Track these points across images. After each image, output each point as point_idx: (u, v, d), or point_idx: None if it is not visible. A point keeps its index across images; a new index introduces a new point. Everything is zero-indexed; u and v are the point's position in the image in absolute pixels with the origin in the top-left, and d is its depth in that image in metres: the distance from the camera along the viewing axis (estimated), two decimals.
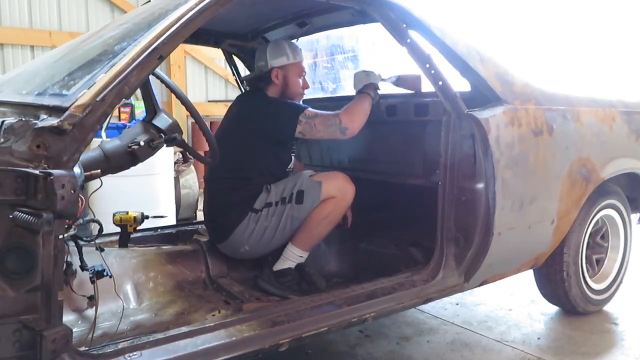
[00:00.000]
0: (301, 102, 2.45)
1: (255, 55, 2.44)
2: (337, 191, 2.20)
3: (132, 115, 5.91)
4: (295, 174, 2.29)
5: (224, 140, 2.33)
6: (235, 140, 2.28)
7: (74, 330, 1.40)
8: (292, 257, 2.24)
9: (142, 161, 1.88)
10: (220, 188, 2.31)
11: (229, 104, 2.53)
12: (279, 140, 2.29)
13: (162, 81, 2.00)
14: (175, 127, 1.96)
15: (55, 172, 1.21)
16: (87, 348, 1.45)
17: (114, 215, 2.37)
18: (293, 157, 2.44)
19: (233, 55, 2.94)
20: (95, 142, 2.80)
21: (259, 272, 2.30)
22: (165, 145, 1.88)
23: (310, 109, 2.22)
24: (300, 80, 2.41)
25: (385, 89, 2.50)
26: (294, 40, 2.67)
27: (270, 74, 2.34)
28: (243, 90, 3.03)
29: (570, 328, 2.56)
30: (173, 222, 3.93)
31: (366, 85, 2.37)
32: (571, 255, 2.52)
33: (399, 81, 2.49)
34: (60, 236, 1.27)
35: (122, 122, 5.55)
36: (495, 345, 2.38)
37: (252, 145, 2.24)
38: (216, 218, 2.31)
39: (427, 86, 2.27)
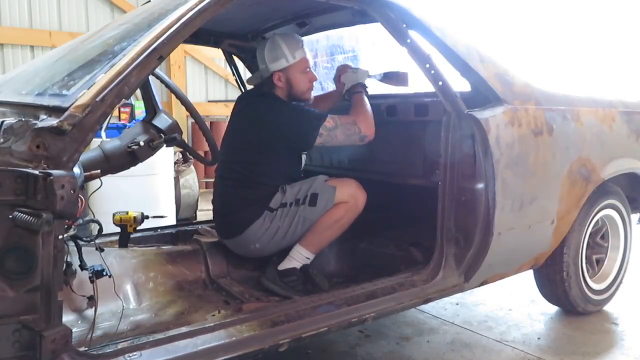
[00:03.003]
0: (312, 96, 2.40)
1: (255, 55, 2.41)
2: (349, 197, 2.22)
3: (132, 116, 5.92)
4: (310, 177, 2.29)
5: (238, 139, 2.31)
6: (251, 140, 2.25)
7: (73, 330, 1.41)
8: (299, 257, 2.24)
9: (142, 161, 1.88)
10: (235, 185, 2.29)
11: (229, 104, 2.52)
12: (298, 148, 2.31)
13: (162, 81, 2.00)
14: (175, 127, 1.97)
15: (55, 172, 1.21)
16: (86, 348, 1.45)
17: (113, 215, 2.37)
18: (304, 157, 2.43)
19: (233, 55, 2.94)
20: (95, 142, 2.79)
21: (262, 271, 2.30)
22: (165, 145, 1.89)
23: (330, 117, 2.18)
24: (306, 76, 2.32)
25: (373, 86, 2.52)
26: None
27: (272, 78, 2.28)
28: (243, 91, 3.03)
29: (570, 328, 2.56)
30: (173, 222, 3.93)
31: (354, 85, 2.41)
32: (571, 255, 2.52)
33: (385, 78, 2.50)
34: (60, 236, 1.27)
35: (122, 122, 5.55)
36: (495, 345, 2.38)
37: (271, 149, 2.22)
38: (229, 214, 2.30)
39: (427, 86, 2.27)
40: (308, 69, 2.33)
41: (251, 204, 2.23)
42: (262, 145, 2.23)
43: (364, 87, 2.44)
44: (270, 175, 2.26)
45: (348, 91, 2.44)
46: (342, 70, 2.50)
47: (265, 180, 2.25)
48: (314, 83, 2.39)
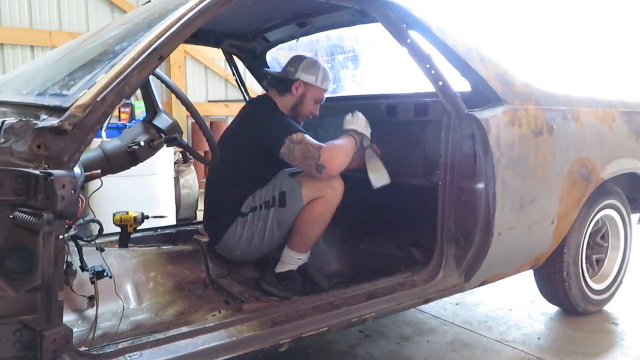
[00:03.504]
0: (302, 124, 2.38)
1: (255, 55, 2.40)
2: (322, 189, 2.13)
3: (132, 115, 5.91)
4: (276, 174, 2.23)
5: (226, 142, 2.32)
6: (233, 143, 2.27)
7: (74, 330, 1.40)
8: (292, 260, 2.23)
9: (142, 161, 1.88)
10: (215, 189, 2.32)
11: (229, 104, 2.54)
12: (269, 153, 2.18)
13: (162, 81, 2.00)
14: (175, 127, 1.96)
15: (56, 172, 1.21)
16: (87, 348, 1.44)
17: (114, 215, 2.37)
18: None
19: (233, 55, 2.94)
20: (96, 142, 2.79)
21: (260, 273, 2.30)
22: (165, 145, 1.88)
23: (300, 133, 2.10)
24: (314, 106, 2.36)
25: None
26: (294, 41, 2.67)
27: (292, 83, 2.30)
28: (243, 91, 3.03)
29: (570, 328, 2.56)
30: (173, 222, 3.93)
31: (350, 128, 2.26)
32: (571, 255, 2.52)
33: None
34: (61, 236, 1.27)
35: (122, 122, 5.55)
36: (495, 345, 2.38)
37: (247, 150, 2.22)
38: (210, 219, 2.33)
39: (427, 86, 2.27)
40: (319, 102, 2.38)
41: (225, 209, 2.23)
42: (240, 147, 2.22)
43: (358, 133, 2.25)
44: (248, 178, 2.22)
45: (345, 130, 2.27)
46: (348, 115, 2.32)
47: (240, 183, 2.22)
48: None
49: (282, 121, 2.22)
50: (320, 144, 2.09)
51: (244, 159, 2.23)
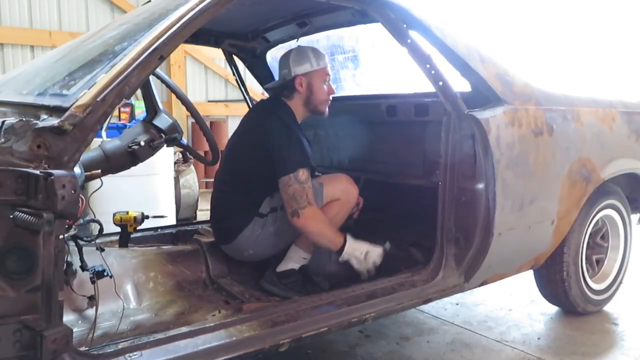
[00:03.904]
0: (327, 110, 2.33)
1: (255, 55, 2.39)
2: (340, 193, 2.21)
3: (132, 115, 5.91)
4: None
5: (237, 145, 2.31)
6: (247, 148, 2.25)
7: (74, 330, 1.40)
8: (297, 258, 2.24)
9: (142, 161, 1.89)
10: (227, 190, 2.29)
11: (229, 104, 2.52)
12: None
13: (163, 81, 2.00)
14: (175, 127, 1.97)
15: (56, 172, 1.21)
16: (87, 348, 1.45)
17: (114, 215, 2.37)
18: None
19: (233, 55, 2.94)
20: (96, 142, 2.79)
21: (261, 273, 2.30)
22: (165, 145, 1.89)
23: (307, 171, 2.08)
24: (325, 86, 2.28)
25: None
26: (294, 41, 2.67)
27: (294, 82, 2.24)
28: (243, 91, 3.03)
29: (570, 328, 2.56)
30: (173, 222, 3.93)
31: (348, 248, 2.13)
32: (571, 255, 2.52)
33: None
34: (61, 236, 1.28)
35: (122, 122, 5.55)
36: (495, 345, 2.38)
37: (261, 160, 2.17)
38: (221, 220, 2.31)
39: (427, 86, 2.27)
40: (328, 80, 2.30)
41: (241, 210, 2.22)
42: (254, 154, 2.20)
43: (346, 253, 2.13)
44: (261, 183, 2.22)
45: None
46: None
47: (255, 187, 2.22)
48: None
49: (293, 148, 2.13)
50: (315, 204, 2.07)
51: (257, 166, 2.20)
